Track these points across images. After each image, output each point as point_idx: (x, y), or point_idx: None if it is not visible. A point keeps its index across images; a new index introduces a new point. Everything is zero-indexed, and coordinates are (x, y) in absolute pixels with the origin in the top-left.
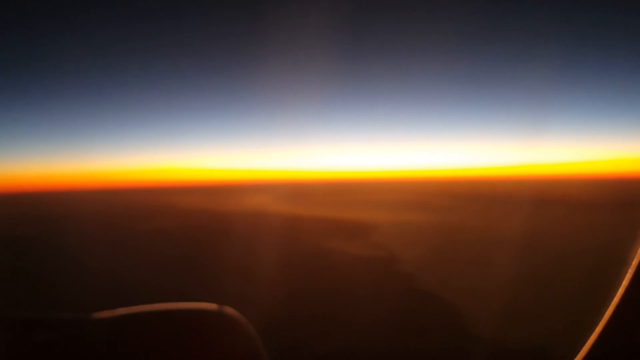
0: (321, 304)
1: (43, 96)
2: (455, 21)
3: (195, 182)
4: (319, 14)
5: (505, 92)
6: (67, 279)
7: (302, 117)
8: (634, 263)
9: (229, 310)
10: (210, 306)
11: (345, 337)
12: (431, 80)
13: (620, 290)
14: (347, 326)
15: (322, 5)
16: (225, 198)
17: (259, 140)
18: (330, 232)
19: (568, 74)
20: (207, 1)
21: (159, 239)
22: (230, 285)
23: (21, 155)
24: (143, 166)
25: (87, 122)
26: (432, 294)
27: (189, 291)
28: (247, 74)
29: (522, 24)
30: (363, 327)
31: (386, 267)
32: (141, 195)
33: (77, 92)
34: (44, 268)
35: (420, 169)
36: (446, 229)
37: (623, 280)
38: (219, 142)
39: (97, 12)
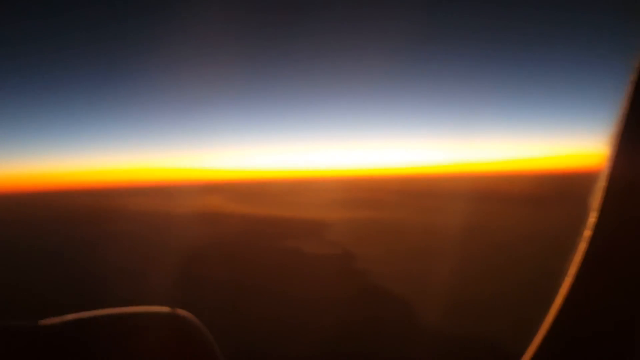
0: (277, 305)
1: None
2: (384, 19)
3: (140, 182)
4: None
5: (447, 91)
6: (11, 283)
7: (252, 117)
8: (576, 259)
9: (183, 313)
10: (163, 309)
11: (303, 338)
12: (375, 79)
13: (565, 286)
14: (304, 326)
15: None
16: (177, 198)
17: (208, 140)
18: (283, 232)
19: (507, 73)
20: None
21: (106, 242)
22: (182, 288)
23: None
24: (88, 168)
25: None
26: (385, 289)
27: (140, 295)
28: (186, 74)
29: (460, 20)
30: (320, 326)
31: (341, 265)
32: (89, 197)
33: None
34: None
35: (365, 168)
36: (396, 226)
37: (566, 276)
38: (166, 142)
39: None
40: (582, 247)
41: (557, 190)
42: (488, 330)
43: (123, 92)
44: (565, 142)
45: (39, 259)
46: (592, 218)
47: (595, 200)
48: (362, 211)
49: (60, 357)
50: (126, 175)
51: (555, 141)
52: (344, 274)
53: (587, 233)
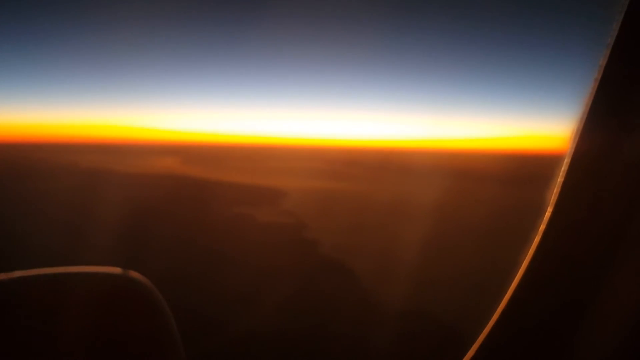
0: (227, 271)
1: None
2: None
3: (105, 139)
4: None
5: (420, 66)
6: None
7: (216, 79)
8: (536, 239)
9: (135, 274)
10: (115, 270)
11: (249, 305)
12: (351, 51)
13: (524, 265)
14: (250, 293)
15: None
16: (131, 158)
17: (171, 100)
18: (238, 198)
19: (478, 54)
20: None
21: (60, 199)
22: (133, 250)
23: None
24: (44, 121)
25: None
26: (336, 260)
27: (90, 255)
28: (162, 30)
29: (436, 5)
30: (268, 295)
31: (291, 234)
32: (42, 152)
33: None
34: None
35: (330, 138)
36: (354, 198)
37: (526, 255)
38: (130, 100)
39: None
40: (538, 232)
41: (520, 171)
42: (436, 308)
43: (84, 44)
44: (531, 123)
45: None
46: (549, 207)
47: (554, 187)
48: (323, 182)
49: (6, 314)
50: (81, 131)
51: (521, 122)
52: (293, 243)
53: (542, 225)
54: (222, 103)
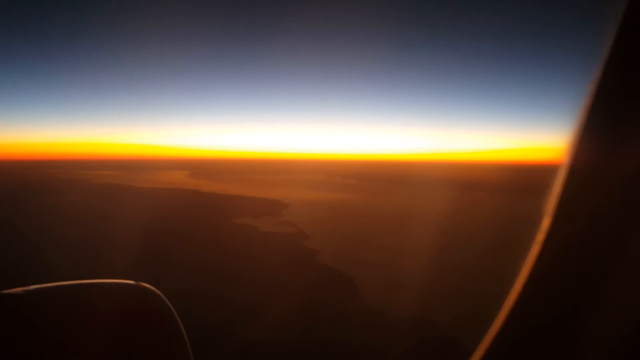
0: (232, 281)
1: None
2: (364, 8)
3: (109, 156)
4: None
5: (422, 79)
6: None
7: (218, 95)
8: (535, 249)
9: (146, 286)
10: (127, 282)
11: (255, 314)
12: (350, 64)
13: (523, 275)
14: (255, 303)
15: None
16: (139, 173)
17: (176, 116)
18: (242, 209)
19: (474, 68)
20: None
21: (74, 214)
22: (140, 262)
23: None
24: (52, 139)
25: None
26: (335, 270)
27: (101, 268)
28: (155, 51)
29: (439, 15)
30: (272, 304)
31: (292, 244)
32: (56, 168)
33: None
34: None
35: (334, 151)
36: (356, 209)
37: (525, 265)
38: (132, 118)
39: None
40: (536, 242)
41: (518, 182)
42: (436, 317)
43: (89, 65)
44: (528, 135)
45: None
46: (547, 217)
47: (552, 197)
48: (326, 193)
49: (23, 327)
50: (91, 148)
51: (518, 133)
52: (295, 252)
53: (541, 235)
54: (225, 118)
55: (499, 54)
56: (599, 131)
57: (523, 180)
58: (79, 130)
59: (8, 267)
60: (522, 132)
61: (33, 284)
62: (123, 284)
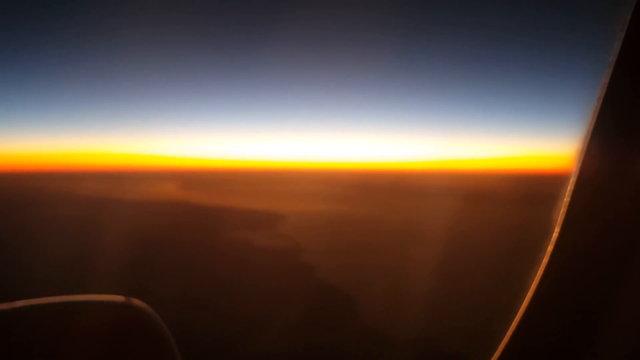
0: (226, 297)
1: None
2: (367, 13)
3: (101, 167)
4: None
5: (424, 85)
6: None
7: (212, 104)
8: (544, 260)
9: (137, 302)
10: (117, 298)
11: (248, 332)
12: (352, 71)
13: (532, 287)
14: (249, 320)
15: None
16: (129, 185)
17: (167, 126)
18: (235, 223)
19: (485, 72)
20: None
21: (61, 227)
22: (133, 278)
23: None
24: (44, 150)
25: None
26: (332, 286)
27: (92, 284)
28: (148, 58)
29: (443, 19)
30: (266, 321)
31: (288, 258)
32: (41, 180)
33: None
34: None
35: (331, 161)
36: (354, 221)
37: (534, 276)
38: (125, 127)
39: None
40: (547, 253)
41: (526, 192)
42: (445, 333)
43: (80, 73)
44: (536, 144)
45: None
46: (557, 227)
47: (561, 206)
48: (323, 205)
49: (9, 343)
50: (79, 159)
51: (526, 142)
52: (290, 267)
53: (550, 246)
54: (218, 127)
55: (504, 59)
56: (608, 138)
57: (530, 189)
58: (65, 140)
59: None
60: (529, 140)
61: (19, 299)
62: (111, 300)
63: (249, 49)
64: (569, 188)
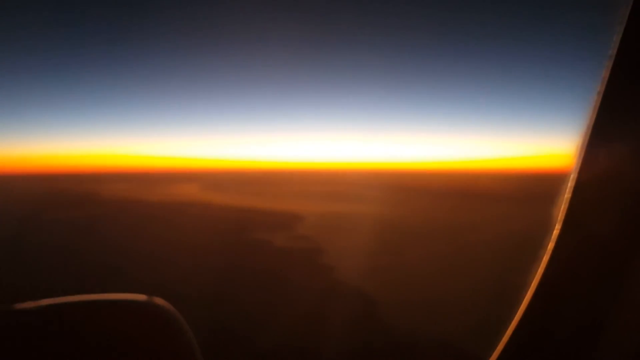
0: (246, 297)
1: None
2: (371, 15)
3: (120, 169)
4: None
5: (434, 86)
6: None
7: (230, 105)
8: (545, 258)
9: (159, 301)
10: (139, 297)
11: (270, 331)
12: (364, 71)
13: (533, 284)
14: (271, 319)
15: None
16: (150, 186)
17: (186, 127)
18: (256, 224)
19: (478, 71)
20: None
21: (82, 228)
22: (154, 277)
23: None
24: (64, 151)
25: (8, 105)
26: (353, 287)
27: (114, 283)
28: (173, 61)
29: (441, 18)
30: (286, 320)
31: (309, 259)
32: (63, 182)
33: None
34: None
35: (347, 162)
36: (372, 221)
37: (535, 275)
38: (144, 129)
39: None
40: (547, 251)
41: (526, 191)
42: (451, 332)
43: (106, 77)
44: (535, 143)
45: (14, 244)
46: (557, 225)
47: (561, 204)
48: (341, 205)
49: (35, 342)
50: (106, 161)
51: (525, 141)
52: (311, 268)
53: (551, 244)
54: (235, 129)
55: (502, 56)
56: (608, 133)
57: (530, 188)
58: (85, 142)
59: (20, 281)
60: (527, 138)
61: (44, 298)
62: (132, 298)
63: (262, 51)
64: (569, 184)
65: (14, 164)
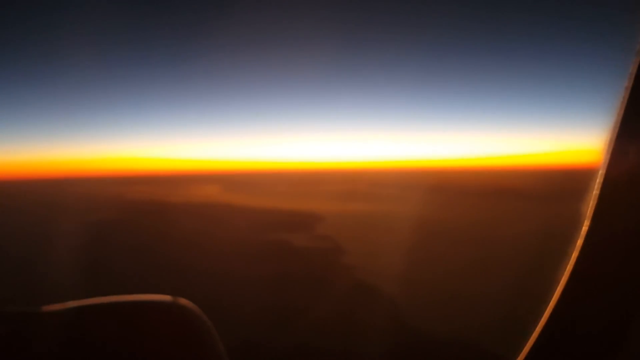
0: (267, 297)
1: None
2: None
3: (142, 171)
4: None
5: (445, 86)
6: (9, 273)
7: (250, 108)
8: (574, 255)
9: (184, 302)
10: (164, 298)
11: (292, 330)
12: (375, 72)
13: (562, 281)
14: (293, 319)
15: None
16: (171, 188)
17: (205, 129)
18: (275, 224)
19: (503, 68)
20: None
21: (105, 230)
22: (176, 278)
23: None
24: (87, 155)
25: (26, 109)
26: (373, 286)
27: (138, 284)
28: (189, 63)
29: (456, 15)
30: (307, 320)
31: (330, 259)
32: (85, 186)
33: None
34: None
35: (365, 160)
36: (391, 220)
37: (564, 272)
38: (164, 131)
39: None
40: (576, 247)
41: (554, 187)
42: (478, 331)
43: (121, 81)
44: (563, 138)
45: (35, 247)
46: (586, 221)
47: (590, 201)
48: (359, 204)
49: (62, 343)
50: (125, 164)
51: (552, 137)
52: (332, 268)
53: (580, 241)
54: (250, 130)
55: (531, 53)
56: (635, 131)
57: (559, 184)
58: (105, 146)
59: (48, 283)
60: (556, 135)
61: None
62: (158, 299)
63: (274, 52)
64: (598, 180)
65: (39, 168)
